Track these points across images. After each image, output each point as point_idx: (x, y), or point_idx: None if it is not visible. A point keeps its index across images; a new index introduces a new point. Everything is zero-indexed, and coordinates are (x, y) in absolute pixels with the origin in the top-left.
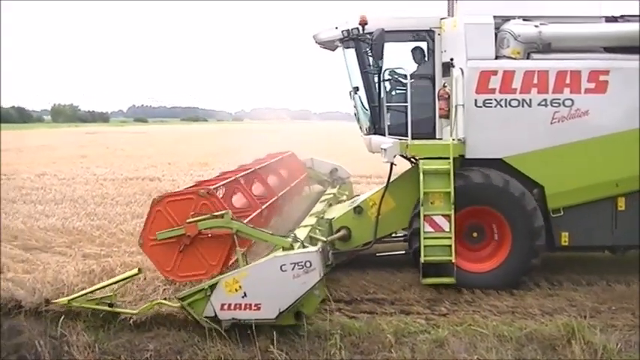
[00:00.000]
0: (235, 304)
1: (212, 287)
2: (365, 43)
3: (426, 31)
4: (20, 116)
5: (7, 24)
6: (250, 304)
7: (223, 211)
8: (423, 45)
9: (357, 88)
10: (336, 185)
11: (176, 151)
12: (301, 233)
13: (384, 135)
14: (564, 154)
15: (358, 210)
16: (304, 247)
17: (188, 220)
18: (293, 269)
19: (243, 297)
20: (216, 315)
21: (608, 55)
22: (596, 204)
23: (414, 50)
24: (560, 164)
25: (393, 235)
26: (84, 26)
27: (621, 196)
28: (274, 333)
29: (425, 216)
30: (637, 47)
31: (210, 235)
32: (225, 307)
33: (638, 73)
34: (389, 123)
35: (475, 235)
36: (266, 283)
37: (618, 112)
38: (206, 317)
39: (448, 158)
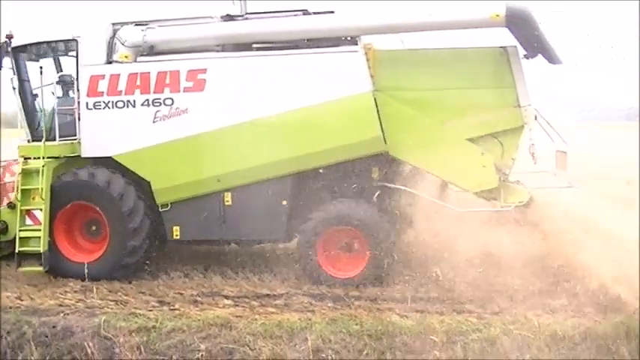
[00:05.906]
0: None
1: None
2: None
3: (70, 40)
4: None
5: None
6: None
7: None
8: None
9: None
10: None
11: None
12: None
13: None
14: (167, 152)
15: (11, 206)
16: None
17: None
18: None
19: None
20: None
21: (206, 54)
22: (203, 199)
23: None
24: (164, 161)
25: None
26: None
27: (227, 191)
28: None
29: (27, 210)
30: (248, 45)
31: None
32: None
33: (235, 69)
34: (29, 128)
35: (94, 228)
36: None
37: (217, 109)
38: None
39: (46, 158)
